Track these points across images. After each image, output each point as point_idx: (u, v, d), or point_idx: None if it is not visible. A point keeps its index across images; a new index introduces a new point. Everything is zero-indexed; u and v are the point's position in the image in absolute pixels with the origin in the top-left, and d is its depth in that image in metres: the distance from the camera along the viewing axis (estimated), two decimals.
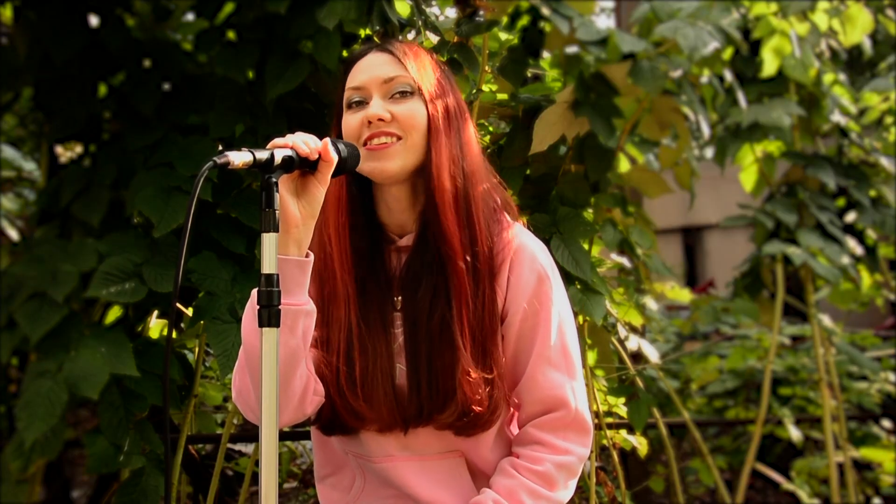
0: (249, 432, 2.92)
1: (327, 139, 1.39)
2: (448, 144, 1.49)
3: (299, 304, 1.41)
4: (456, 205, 1.48)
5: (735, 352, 4.08)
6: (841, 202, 3.43)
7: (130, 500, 2.08)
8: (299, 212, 1.39)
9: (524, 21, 2.49)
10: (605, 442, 2.39)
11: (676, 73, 2.61)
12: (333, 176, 1.41)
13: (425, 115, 1.49)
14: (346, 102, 1.52)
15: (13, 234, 3.26)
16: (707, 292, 5.93)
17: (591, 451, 2.27)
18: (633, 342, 2.53)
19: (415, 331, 1.49)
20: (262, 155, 1.31)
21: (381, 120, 1.46)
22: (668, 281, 3.73)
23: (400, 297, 1.52)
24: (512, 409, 1.59)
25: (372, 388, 1.48)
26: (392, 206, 1.54)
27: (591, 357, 2.45)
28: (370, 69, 1.51)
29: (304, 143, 1.36)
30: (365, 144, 1.48)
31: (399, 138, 1.47)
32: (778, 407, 3.55)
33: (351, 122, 1.50)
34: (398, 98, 1.49)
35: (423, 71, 1.51)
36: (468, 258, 1.48)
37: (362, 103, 1.50)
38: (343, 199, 1.53)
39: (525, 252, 1.52)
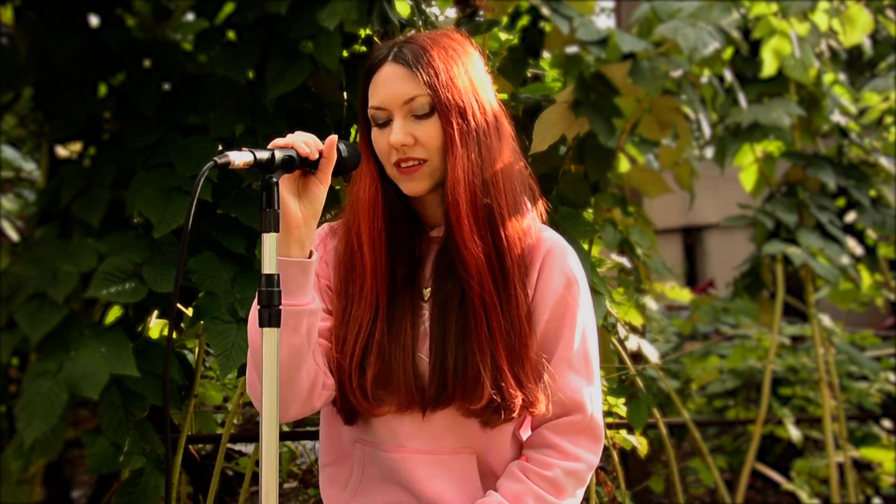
0: (249, 432, 2.92)
1: (335, 136, 1.39)
2: (465, 157, 1.47)
3: (302, 304, 1.41)
4: (474, 216, 1.47)
5: (735, 352, 4.08)
6: (841, 202, 3.43)
7: (130, 501, 2.08)
8: (301, 212, 1.39)
9: (524, 21, 2.49)
10: (605, 442, 2.39)
11: (676, 73, 2.61)
12: (334, 175, 1.42)
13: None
14: (372, 119, 1.51)
15: (13, 235, 3.26)
16: (707, 292, 5.93)
17: None
18: (633, 342, 2.53)
19: (444, 320, 1.49)
20: (262, 155, 1.31)
21: (404, 146, 1.47)
22: (668, 281, 3.73)
23: (429, 289, 1.52)
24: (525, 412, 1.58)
25: (388, 377, 1.48)
26: (423, 201, 1.54)
27: None
28: (389, 87, 1.48)
29: (304, 143, 1.36)
30: (396, 165, 1.48)
31: (425, 161, 1.47)
32: (778, 407, 3.55)
33: (380, 142, 1.50)
34: (419, 118, 1.47)
35: (436, 80, 1.47)
36: (496, 270, 1.47)
37: (387, 123, 1.49)
38: (379, 205, 1.52)
39: (556, 254, 1.53)
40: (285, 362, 1.42)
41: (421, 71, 1.47)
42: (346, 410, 1.54)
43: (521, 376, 1.47)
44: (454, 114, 1.47)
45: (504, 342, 1.47)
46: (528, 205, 1.57)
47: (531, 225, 1.54)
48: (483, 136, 1.50)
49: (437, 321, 1.49)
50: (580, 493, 1.54)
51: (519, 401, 1.46)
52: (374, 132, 1.51)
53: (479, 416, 1.49)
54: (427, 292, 1.52)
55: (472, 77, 1.52)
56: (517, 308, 1.48)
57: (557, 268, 1.52)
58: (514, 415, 1.47)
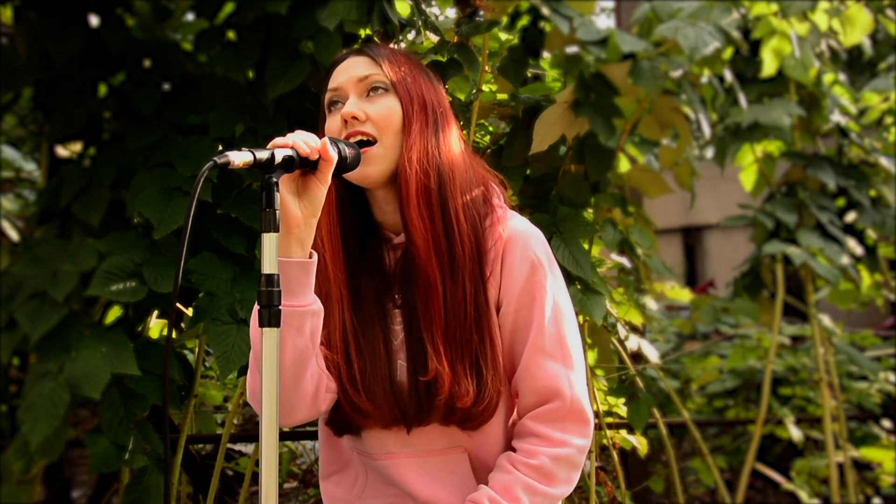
0: (249, 432, 2.92)
1: (326, 138, 1.39)
2: (421, 137, 1.49)
3: (305, 304, 1.41)
4: (426, 198, 1.47)
5: (735, 352, 4.08)
6: (841, 202, 3.43)
7: (133, 500, 2.08)
8: (301, 211, 1.39)
9: (524, 21, 2.49)
10: (605, 442, 2.39)
11: (676, 73, 2.61)
12: (334, 175, 1.42)
13: (400, 112, 1.49)
14: (327, 105, 1.54)
15: (13, 235, 3.26)
16: (707, 292, 5.93)
17: (591, 451, 2.28)
18: (633, 342, 2.53)
19: (412, 327, 1.49)
20: (262, 155, 1.31)
21: (355, 118, 1.48)
22: (668, 281, 3.73)
23: (398, 295, 1.52)
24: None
25: (372, 385, 1.49)
26: (383, 207, 1.55)
27: (591, 357, 2.45)
28: (346, 71, 1.53)
29: (304, 142, 1.36)
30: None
31: (375, 140, 1.48)
32: (778, 407, 3.55)
33: (331, 125, 1.52)
34: (373, 96, 1.50)
35: (397, 68, 1.52)
36: (443, 253, 1.47)
37: (339, 102, 1.52)
38: (333, 202, 1.53)
39: (517, 241, 1.52)
40: (290, 365, 1.42)
41: (383, 60, 1.52)
42: (335, 421, 1.55)
43: (455, 362, 1.46)
44: (415, 100, 1.50)
45: (441, 324, 1.46)
46: (494, 200, 1.57)
47: (492, 219, 1.53)
48: (441, 131, 1.52)
49: (407, 333, 1.50)
50: (575, 477, 1.52)
51: (446, 386, 1.45)
52: (328, 119, 1.52)
53: (450, 422, 1.49)
54: (398, 298, 1.52)
55: (431, 80, 1.56)
56: (464, 298, 1.47)
57: (519, 254, 1.51)
58: (444, 399, 1.45)
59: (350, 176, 1.49)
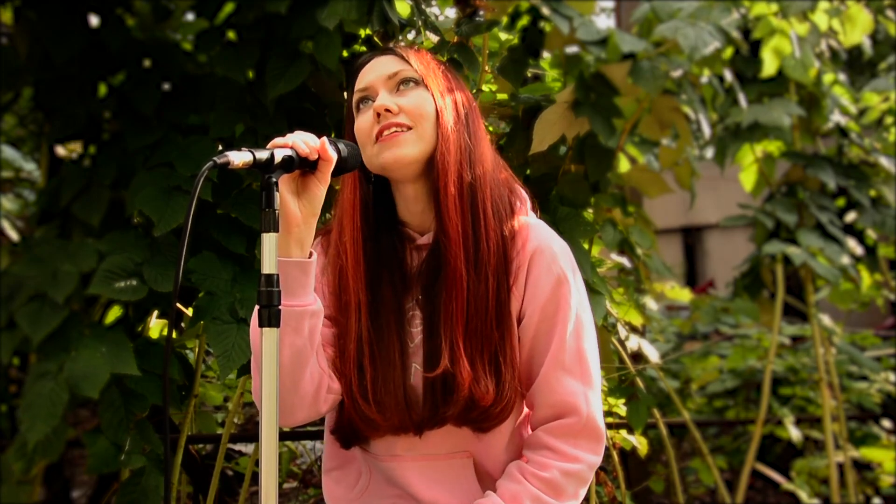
0: (249, 432, 2.92)
1: (324, 138, 1.39)
2: (456, 132, 1.49)
3: (303, 304, 1.41)
4: (460, 193, 1.47)
5: (735, 352, 4.08)
6: (841, 202, 3.43)
7: (131, 500, 2.08)
8: (300, 211, 1.39)
9: (524, 21, 2.49)
10: (605, 442, 2.38)
11: (676, 73, 2.61)
12: (334, 175, 1.42)
13: (433, 104, 1.49)
14: (356, 105, 1.53)
15: (13, 235, 3.26)
16: (707, 292, 5.93)
17: None
18: (633, 342, 2.53)
19: (432, 327, 1.49)
20: (262, 155, 1.31)
21: (388, 111, 1.47)
22: (668, 281, 3.73)
23: (420, 296, 1.52)
24: (526, 411, 1.58)
25: (384, 395, 1.48)
26: (411, 206, 1.54)
27: None
28: (374, 70, 1.53)
29: (303, 142, 1.36)
30: (377, 140, 1.48)
31: (409, 128, 1.48)
32: (778, 407, 3.55)
33: (362, 122, 1.51)
34: (404, 90, 1.50)
35: (427, 65, 1.53)
36: (469, 247, 1.47)
37: (369, 100, 1.51)
38: (357, 207, 1.53)
39: (544, 253, 1.51)
40: (288, 365, 1.42)
41: (411, 56, 1.53)
42: (341, 432, 1.54)
43: (475, 358, 1.46)
44: (446, 93, 1.51)
45: (463, 319, 1.46)
46: (518, 205, 1.57)
47: (518, 226, 1.53)
48: (471, 126, 1.53)
49: (427, 335, 1.49)
50: (582, 493, 1.53)
51: (467, 382, 1.44)
52: (357, 118, 1.52)
53: (465, 422, 1.48)
54: (420, 299, 1.52)
55: (457, 77, 1.58)
56: (486, 294, 1.47)
57: (545, 267, 1.50)
58: (464, 395, 1.44)
59: (384, 163, 1.48)
